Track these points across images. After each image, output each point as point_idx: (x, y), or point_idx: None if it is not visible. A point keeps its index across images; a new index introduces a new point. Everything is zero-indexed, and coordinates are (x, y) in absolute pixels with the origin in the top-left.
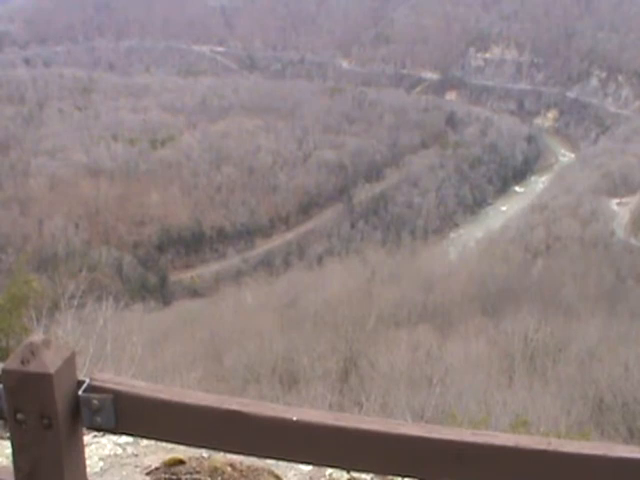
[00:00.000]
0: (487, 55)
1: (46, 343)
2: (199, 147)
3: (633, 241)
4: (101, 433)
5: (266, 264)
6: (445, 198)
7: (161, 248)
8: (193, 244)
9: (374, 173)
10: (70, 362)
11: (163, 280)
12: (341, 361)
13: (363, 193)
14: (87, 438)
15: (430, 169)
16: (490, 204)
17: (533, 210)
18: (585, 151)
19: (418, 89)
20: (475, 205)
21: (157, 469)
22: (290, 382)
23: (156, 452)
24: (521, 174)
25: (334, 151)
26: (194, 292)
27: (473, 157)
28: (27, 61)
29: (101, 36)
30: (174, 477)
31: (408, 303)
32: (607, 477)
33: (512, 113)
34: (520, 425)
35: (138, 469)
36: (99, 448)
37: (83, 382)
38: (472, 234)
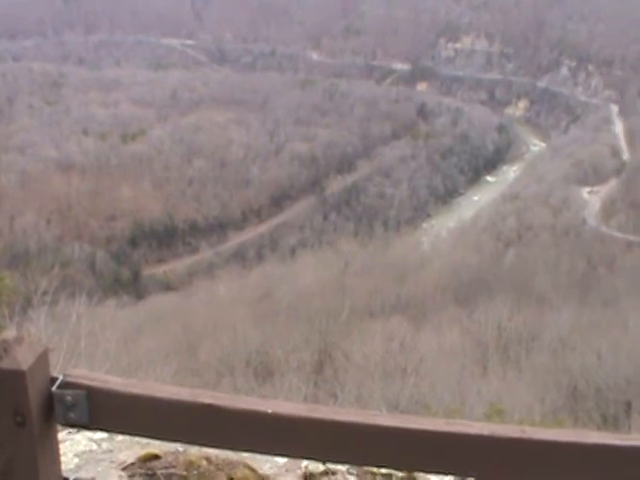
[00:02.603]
0: (457, 45)
1: (18, 340)
2: (170, 141)
3: (604, 229)
4: (75, 429)
5: (239, 257)
6: (417, 189)
7: (134, 242)
8: (165, 238)
9: (346, 165)
10: (43, 359)
11: (136, 275)
12: (315, 353)
13: (335, 185)
14: (61, 435)
15: (402, 160)
16: (462, 194)
17: (504, 199)
18: (556, 140)
19: (389, 80)
20: (447, 195)
21: (132, 464)
22: (264, 375)
23: (131, 447)
24: (492, 164)
25: (306, 143)
26: (167, 286)
27: (444, 147)
28: None
29: (70, 30)
30: (150, 472)
31: (381, 294)
32: (581, 463)
33: (483, 103)
34: (495, 414)
35: (113, 465)
36: (74, 444)
37: (56, 378)
38: (444, 224)
